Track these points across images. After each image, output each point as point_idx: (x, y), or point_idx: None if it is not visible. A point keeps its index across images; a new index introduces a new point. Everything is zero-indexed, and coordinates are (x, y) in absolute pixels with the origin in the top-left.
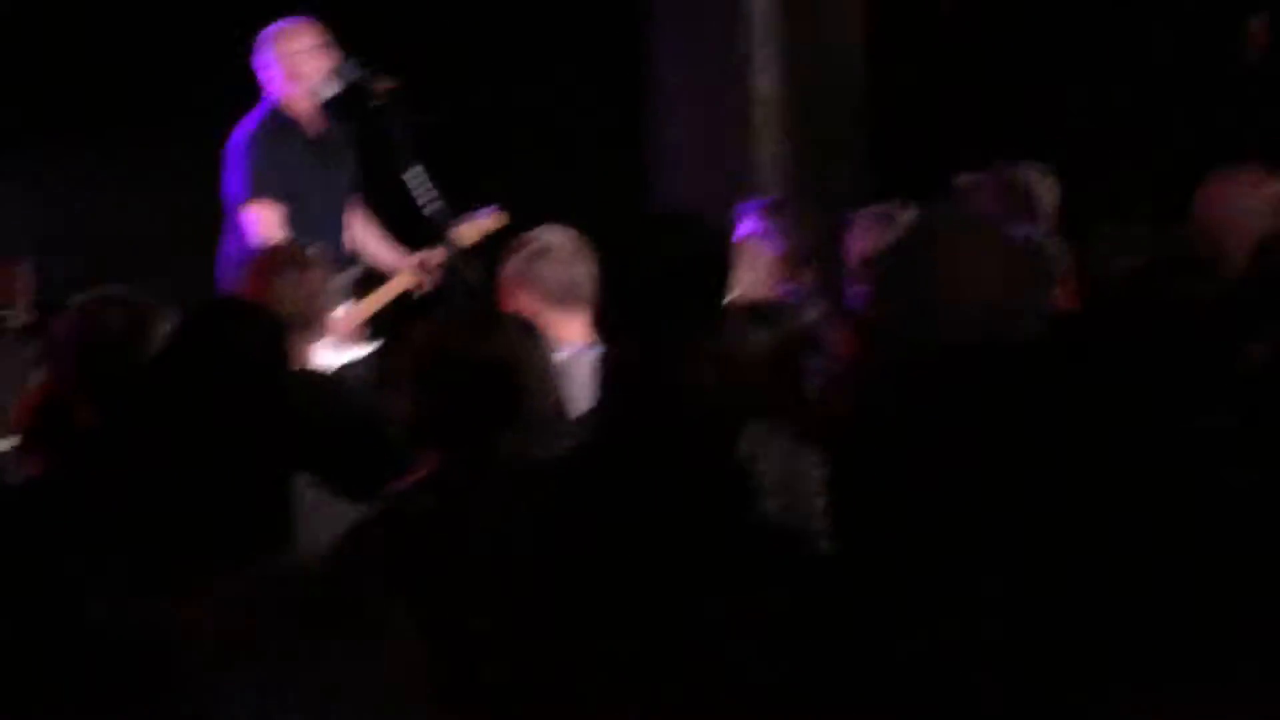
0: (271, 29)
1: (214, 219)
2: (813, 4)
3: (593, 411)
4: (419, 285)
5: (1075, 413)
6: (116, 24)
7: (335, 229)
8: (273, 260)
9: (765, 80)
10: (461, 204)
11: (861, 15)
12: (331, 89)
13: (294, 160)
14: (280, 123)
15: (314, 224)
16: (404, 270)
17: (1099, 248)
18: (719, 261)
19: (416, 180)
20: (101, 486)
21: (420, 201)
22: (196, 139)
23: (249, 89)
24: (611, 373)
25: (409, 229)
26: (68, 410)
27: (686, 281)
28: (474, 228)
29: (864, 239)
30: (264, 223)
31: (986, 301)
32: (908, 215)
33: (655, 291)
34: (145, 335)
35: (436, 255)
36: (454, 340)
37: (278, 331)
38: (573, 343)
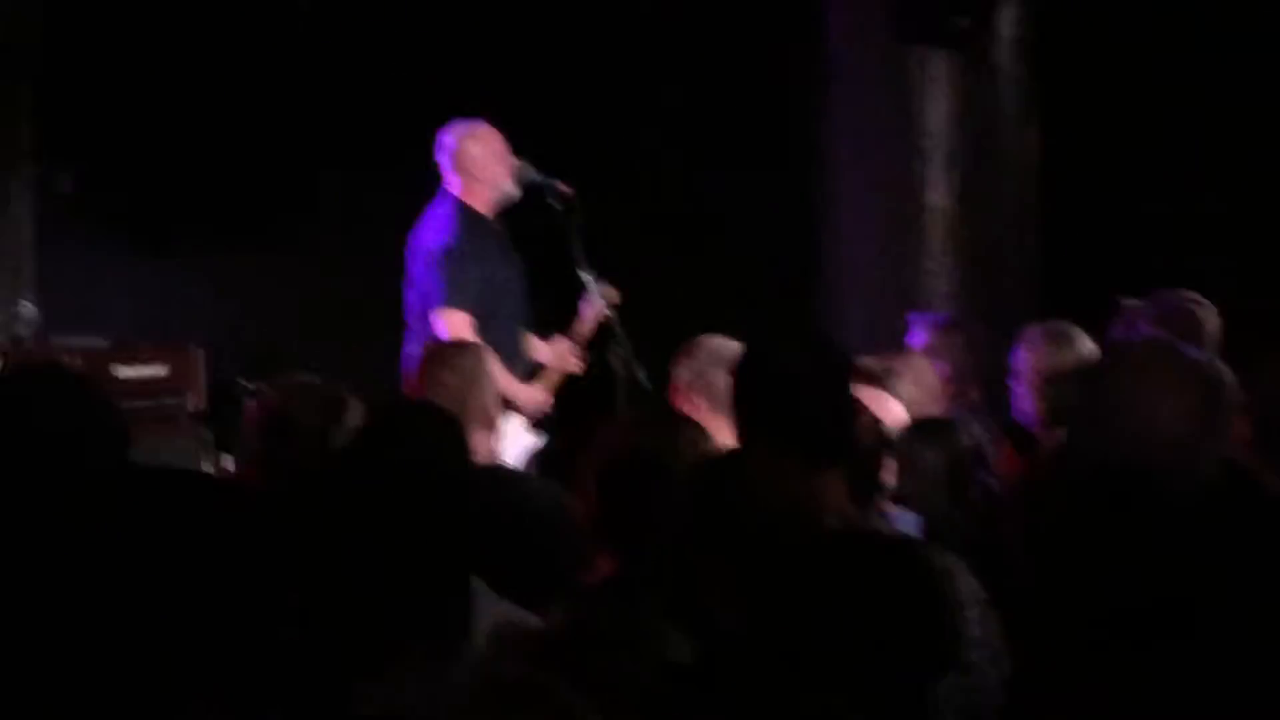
0: (457, 129)
1: (377, 307)
2: (987, 120)
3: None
4: (578, 367)
5: (1256, 551)
6: (291, 117)
7: (518, 324)
8: (442, 356)
9: (936, 194)
10: (637, 308)
11: (1036, 133)
12: (515, 192)
13: (488, 265)
14: (471, 223)
15: (504, 324)
16: (557, 355)
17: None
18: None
19: (589, 282)
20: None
21: (594, 304)
22: (365, 229)
23: (417, 183)
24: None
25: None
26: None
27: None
28: (598, 304)
29: (1032, 355)
30: (457, 329)
31: (1177, 431)
32: (1078, 334)
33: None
34: (335, 424)
35: (581, 332)
36: (641, 444)
37: (459, 431)
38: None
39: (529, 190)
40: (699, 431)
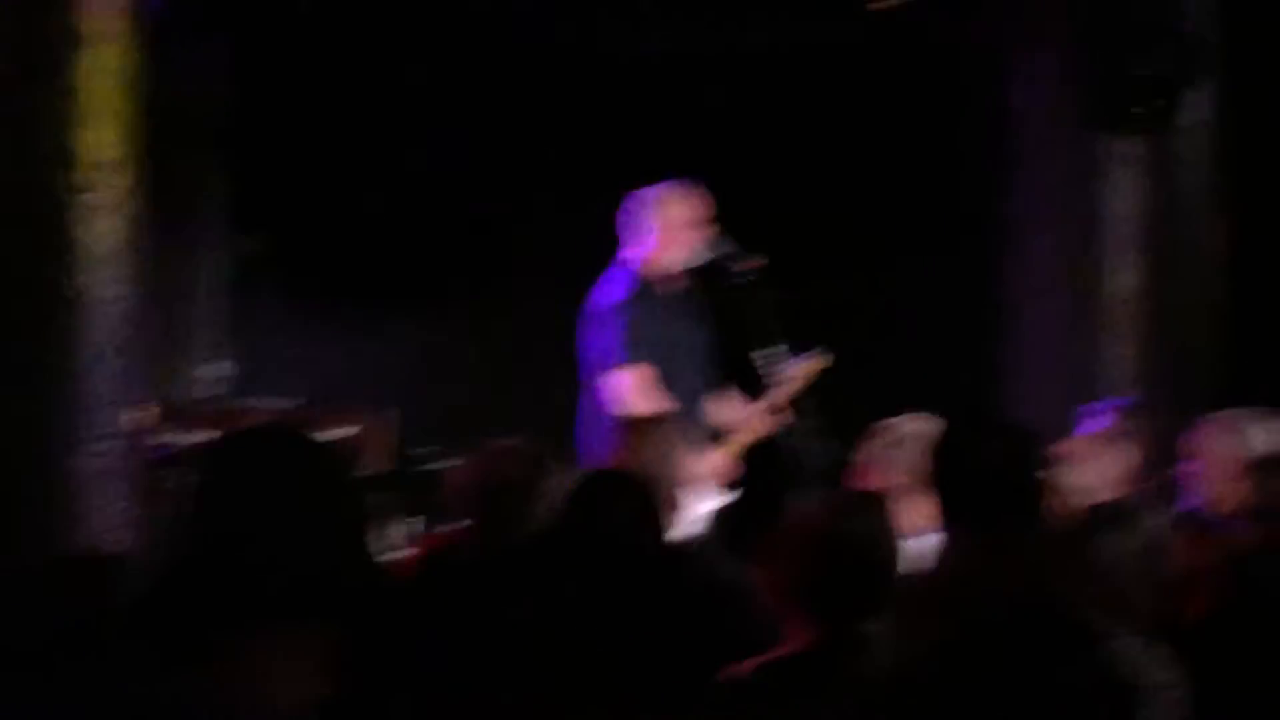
0: (662, 190)
1: (556, 374)
2: (1173, 206)
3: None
4: (767, 431)
5: None
6: (481, 179)
7: (700, 386)
8: (638, 429)
9: (1122, 281)
10: (821, 389)
11: (1225, 220)
12: (703, 258)
13: (663, 323)
14: (647, 286)
15: (681, 383)
16: (753, 418)
17: None
18: (1030, 464)
19: (770, 358)
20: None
21: (770, 381)
22: (544, 296)
23: (593, 250)
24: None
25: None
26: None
27: (1001, 481)
28: (803, 369)
29: (1211, 445)
30: (637, 386)
31: None
32: (1258, 423)
33: (971, 488)
34: (542, 485)
35: (778, 398)
36: (842, 520)
37: (652, 503)
38: (923, 528)
39: (721, 261)
40: (887, 510)
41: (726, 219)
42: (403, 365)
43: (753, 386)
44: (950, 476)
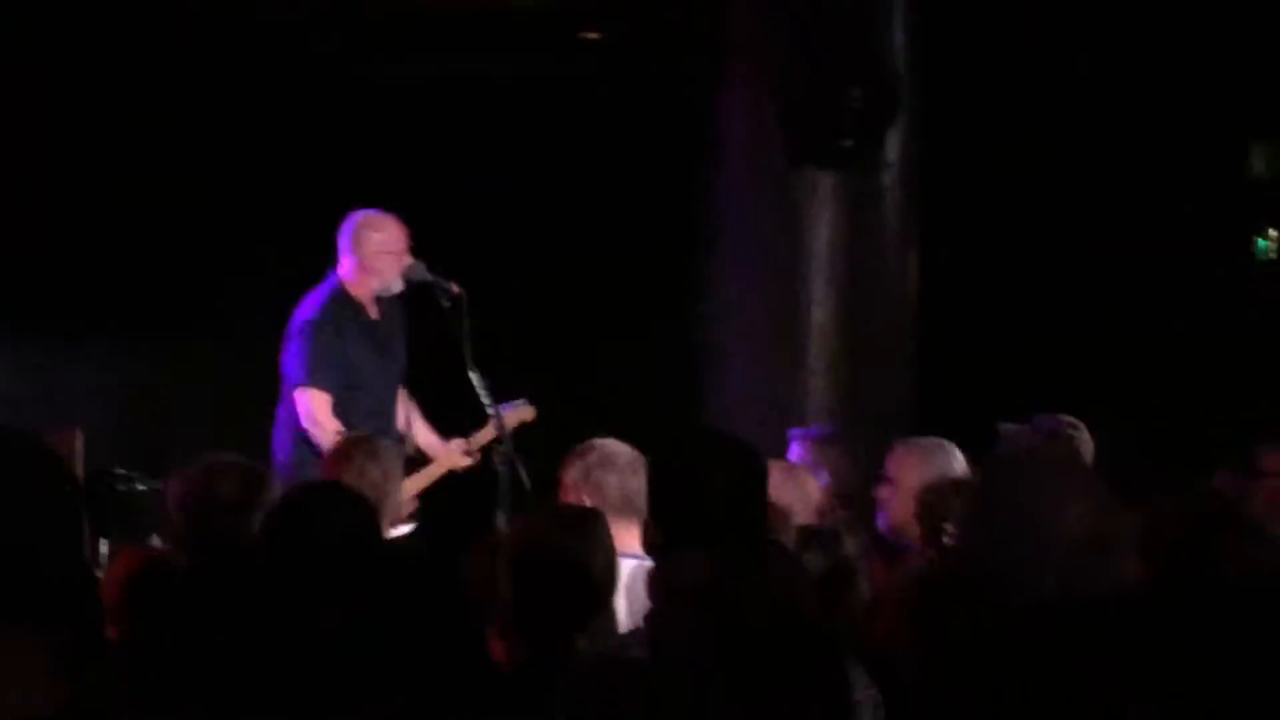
0: (362, 215)
1: (260, 387)
2: (871, 238)
3: (656, 624)
4: (465, 467)
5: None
6: (183, 202)
7: (387, 412)
8: (350, 449)
9: (819, 311)
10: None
11: (916, 254)
12: (398, 287)
13: (352, 346)
14: (343, 306)
15: (366, 407)
16: (450, 452)
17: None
18: (760, 484)
19: (478, 382)
20: (195, 649)
21: (482, 402)
22: (256, 319)
23: (306, 265)
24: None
25: (458, 417)
26: (167, 573)
27: (734, 501)
28: (513, 415)
29: (903, 468)
30: (315, 408)
31: (1077, 539)
32: (950, 448)
33: (705, 508)
34: (255, 501)
35: (480, 438)
36: (555, 538)
37: (369, 512)
38: (626, 552)
39: (420, 288)
40: (607, 526)
41: (434, 245)
42: (94, 389)
43: (468, 407)
44: (678, 495)
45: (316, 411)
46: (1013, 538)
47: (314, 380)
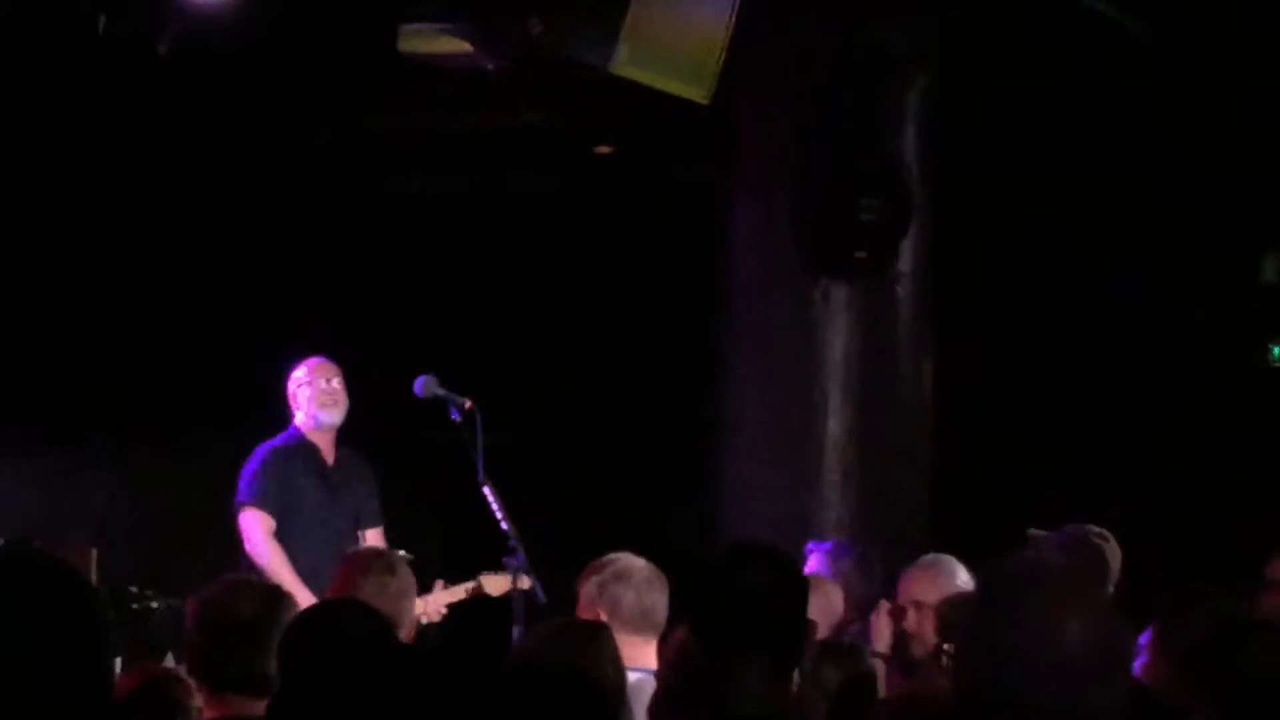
0: (293, 366)
1: None
2: (886, 348)
3: None
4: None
5: None
6: (200, 321)
7: (335, 551)
8: (364, 564)
9: (835, 424)
10: (532, 524)
11: (935, 367)
12: (334, 419)
13: (298, 481)
14: (298, 445)
15: (311, 542)
16: (436, 603)
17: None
18: (803, 597)
19: (491, 496)
20: None
21: (495, 517)
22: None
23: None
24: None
25: (480, 542)
26: (171, 690)
27: (780, 614)
28: (499, 582)
29: (916, 586)
30: (254, 527)
31: (1077, 658)
32: (955, 565)
33: (751, 621)
34: (275, 621)
35: (492, 584)
36: (561, 652)
37: (387, 628)
38: (642, 667)
39: (435, 403)
40: (614, 641)
41: (451, 361)
42: (106, 504)
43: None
44: (720, 604)
45: (254, 531)
46: (1008, 656)
47: (255, 501)
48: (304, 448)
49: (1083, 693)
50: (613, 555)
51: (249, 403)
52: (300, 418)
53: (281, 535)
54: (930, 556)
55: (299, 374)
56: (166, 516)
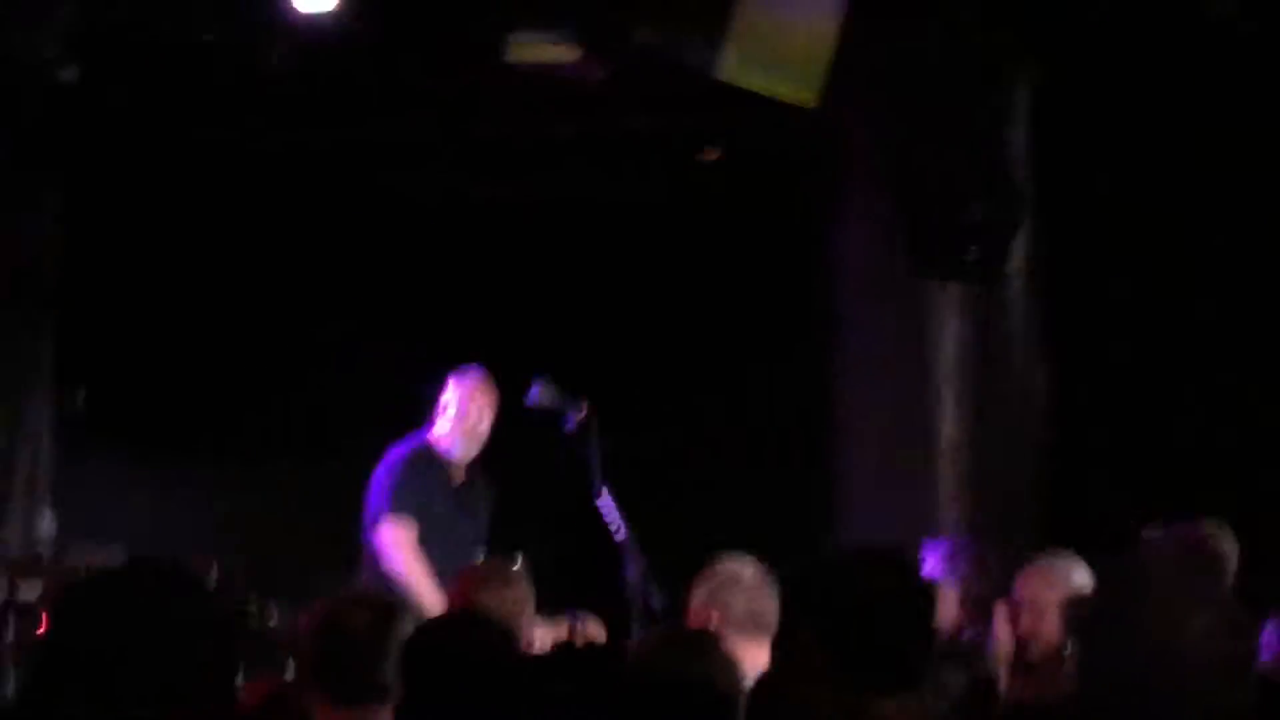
0: (460, 376)
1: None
2: (998, 350)
3: None
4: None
5: None
6: (305, 338)
7: (449, 567)
8: (483, 575)
9: (949, 426)
10: (647, 529)
11: (1049, 367)
12: (471, 453)
13: (433, 492)
14: (429, 460)
15: (437, 557)
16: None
17: None
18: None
19: (606, 505)
20: None
21: (610, 526)
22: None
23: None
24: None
25: (593, 554)
26: (295, 704)
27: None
28: (589, 630)
29: (1033, 586)
30: (400, 537)
31: (1199, 653)
32: (1075, 563)
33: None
34: (388, 635)
35: (593, 630)
36: (671, 661)
37: (507, 639)
38: (755, 671)
39: (553, 409)
40: (726, 651)
41: (559, 368)
42: (226, 518)
43: (593, 530)
44: (830, 615)
45: (400, 539)
46: (1130, 655)
47: (397, 509)
48: (438, 463)
49: (1208, 689)
50: (721, 560)
51: (351, 419)
52: (441, 430)
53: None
54: (1048, 555)
55: (464, 391)
56: (284, 529)
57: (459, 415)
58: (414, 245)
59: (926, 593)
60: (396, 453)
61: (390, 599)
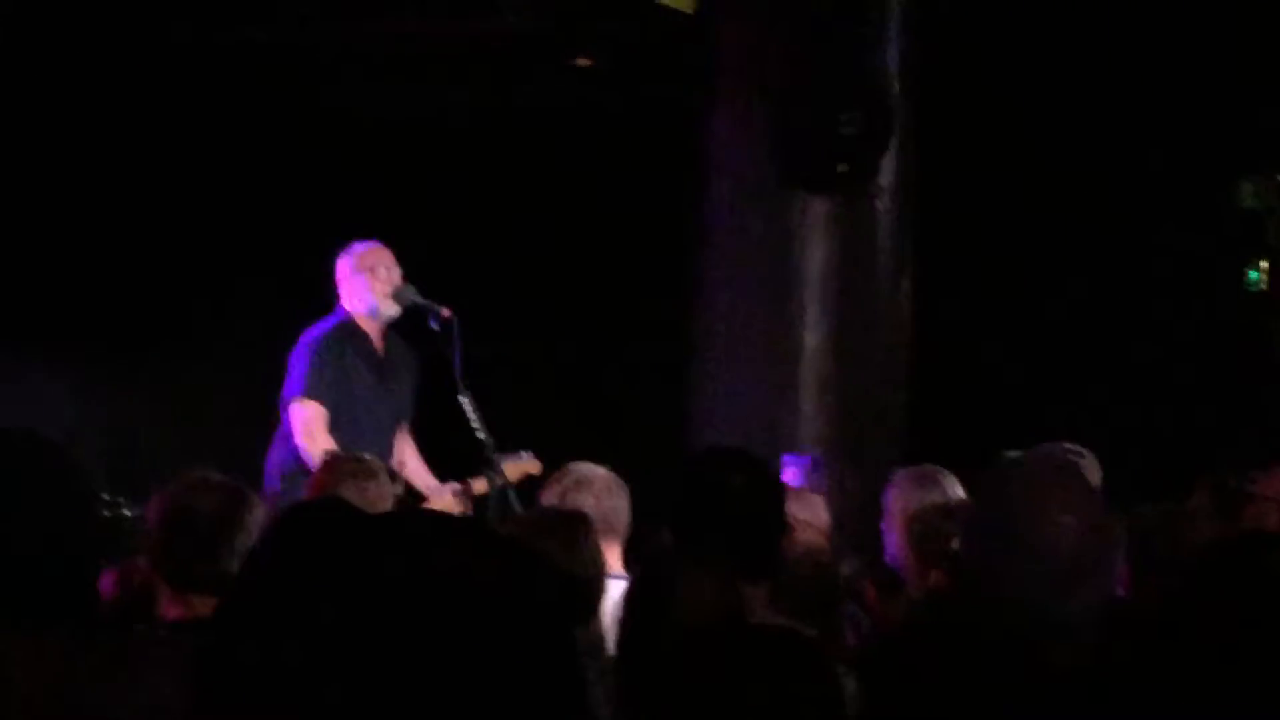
0: (349, 246)
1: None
2: (864, 263)
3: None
4: (455, 511)
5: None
6: (169, 221)
7: (382, 444)
8: (338, 469)
9: (812, 336)
10: (505, 434)
11: (911, 278)
12: (392, 310)
13: (352, 369)
14: (347, 332)
15: (360, 434)
16: (444, 495)
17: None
18: (777, 504)
19: (468, 406)
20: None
21: (470, 426)
22: (242, 342)
23: (294, 291)
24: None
25: (454, 452)
26: (143, 589)
27: (743, 519)
28: (515, 468)
29: (901, 497)
30: (310, 422)
31: (1070, 550)
32: (947, 476)
33: (710, 526)
34: (238, 520)
35: (477, 485)
36: (538, 541)
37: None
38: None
39: (411, 312)
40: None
41: (423, 274)
42: (75, 413)
43: (458, 432)
44: (698, 510)
45: (311, 424)
46: (1004, 551)
47: (311, 394)
48: (355, 334)
49: (1074, 585)
50: (571, 465)
51: (215, 315)
52: (354, 304)
53: (335, 428)
54: (918, 467)
55: (361, 257)
56: (135, 429)
57: (369, 280)
58: (284, 154)
59: (774, 487)
60: (311, 334)
61: (239, 485)
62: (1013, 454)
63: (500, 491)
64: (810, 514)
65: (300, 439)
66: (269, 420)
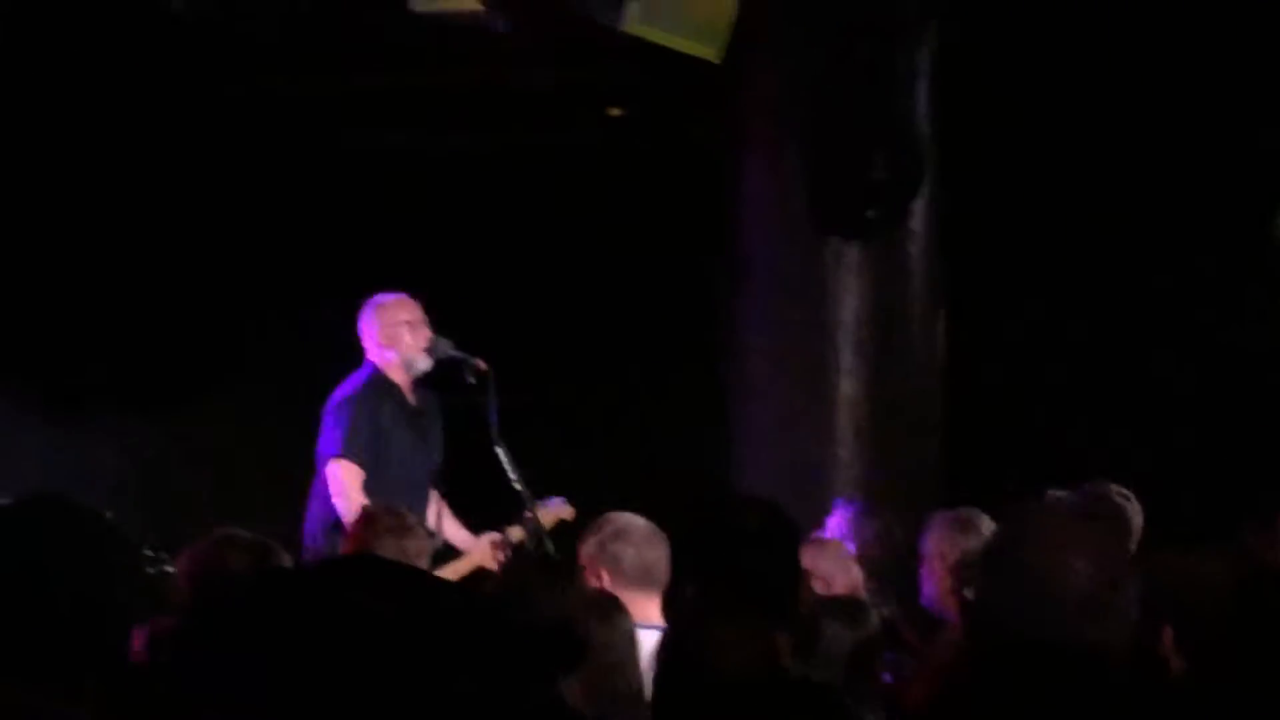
0: (373, 299)
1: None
2: (898, 308)
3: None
4: (493, 562)
5: None
6: (212, 281)
7: (418, 498)
8: (375, 524)
9: (848, 382)
10: (544, 483)
11: (944, 324)
12: (425, 364)
13: (388, 426)
14: (382, 387)
15: (397, 490)
16: (479, 548)
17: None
18: (791, 549)
19: (504, 457)
20: None
21: (508, 477)
22: (279, 399)
23: (340, 352)
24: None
25: (489, 502)
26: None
27: (758, 565)
28: (548, 514)
29: (939, 541)
30: (346, 482)
31: (1079, 591)
32: (984, 519)
33: (727, 573)
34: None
35: (514, 534)
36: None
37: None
38: (646, 623)
39: (446, 365)
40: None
41: (456, 321)
42: (123, 467)
43: (493, 483)
44: (713, 559)
45: (347, 485)
46: (1017, 593)
47: (347, 453)
48: (389, 389)
49: (1081, 629)
50: (611, 514)
51: (256, 368)
52: (384, 356)
53: (367, 486)
54: (956, 510)
55: (392, 311)
56: (176, 486)
57: (402, 334)
58: (317, 197)
59: (790, 533)
60: (344, 390)
61: (266, 541)
62: (1057, 494)
63: (536, 539)
64: (833, 565)
65: (337, 499)
66: (295, 474)
